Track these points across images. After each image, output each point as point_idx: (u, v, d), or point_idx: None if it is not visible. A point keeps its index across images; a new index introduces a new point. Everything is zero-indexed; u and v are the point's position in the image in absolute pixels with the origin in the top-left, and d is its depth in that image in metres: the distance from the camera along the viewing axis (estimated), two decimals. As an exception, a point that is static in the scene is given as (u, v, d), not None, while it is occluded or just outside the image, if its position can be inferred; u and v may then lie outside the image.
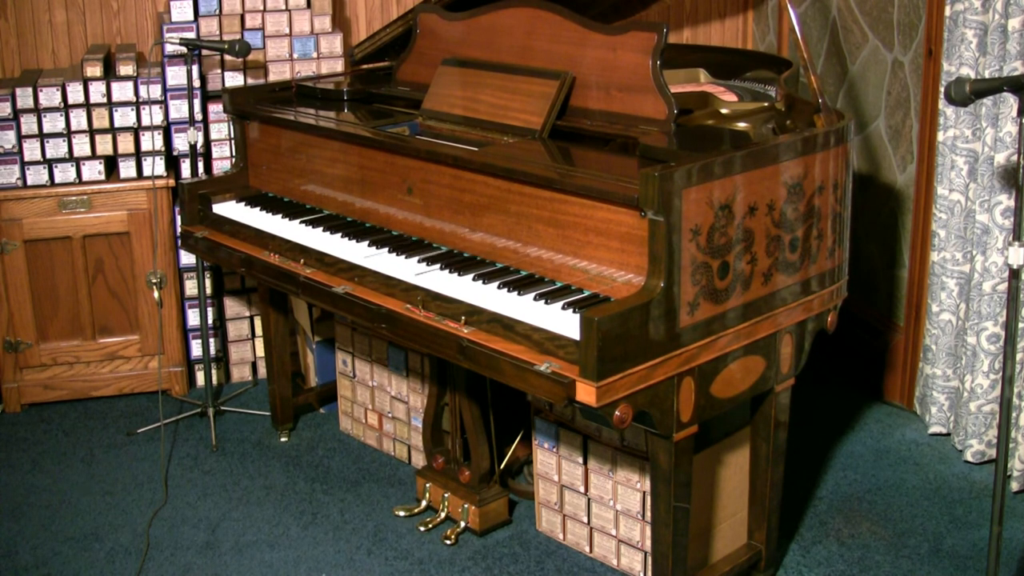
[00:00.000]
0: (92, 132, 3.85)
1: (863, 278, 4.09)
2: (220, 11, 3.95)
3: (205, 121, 3.99)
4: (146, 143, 3.88)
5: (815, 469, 3.49)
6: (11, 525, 3.28)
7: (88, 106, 3.83)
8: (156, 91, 3.88)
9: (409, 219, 2.94)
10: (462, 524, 3.15)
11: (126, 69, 3.86)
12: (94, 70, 3.83)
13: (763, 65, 3.39)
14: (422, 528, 3.18)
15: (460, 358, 2.50)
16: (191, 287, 4.03)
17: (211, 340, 4.03)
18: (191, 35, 3.87)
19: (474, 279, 2.62)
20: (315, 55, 4.06)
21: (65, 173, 3.85)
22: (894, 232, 3.92)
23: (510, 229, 2.67)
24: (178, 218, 3.73)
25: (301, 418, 3.91)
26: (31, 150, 3.81)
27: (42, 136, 3.81)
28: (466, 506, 3.15)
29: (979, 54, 3.32)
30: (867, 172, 4.06)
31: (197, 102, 3.84)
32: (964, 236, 3.49)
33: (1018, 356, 3.19)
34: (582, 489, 3.02)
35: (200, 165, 3.88)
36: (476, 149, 2.75)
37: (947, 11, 3.40)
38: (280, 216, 3.22)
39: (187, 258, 3.97)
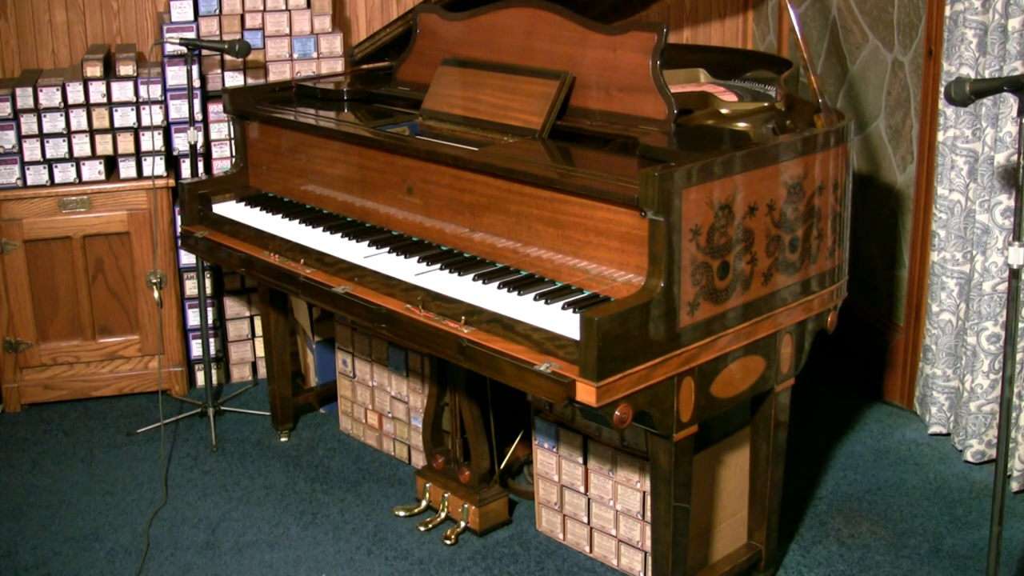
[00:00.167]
0: (92, 132, 3.85)
1: (863, 278, 4.09)
2: (220, 11, 3.95)
3: (205, 121, 3.99)
4: (146, 143, 3.88)
5: (815, 469, 3.49)
6: (11, 525, 3.28)
7: (88, 106, 3.83)
8: (156, 91, 3.88)
9: (409, 219, 2.94)
10: (462, 524, 3.15)
11: (126, 69, 3.86)
12: (94, 70, 3.83)
13: (763, 65, 3.39)
14: (422, 528, 3.18)
15: (460, 358, 2.50)
16: (191, 287, 4.03)
17: (211, 340, 4.03)
18: (191, 35, 3.87)
19: (474, 279, 2.62)
20: (315, 55, 4.06)
21: (65, 173, 3.85)
22: (894, 232, 3.92)
23: (510, 229, 2.67)
24: (178, 218, 3.73)
25: (301, 418, 3.91)
26: (31, 150, 3.81)
27: (42, 136, 3.81)
28: (466, 506, 3.15)
29: (979, 54, 3.32)
30: (867, 172, 4.06)
31: (197, 102, 3.84)
32: (964, 236, 3.49)
33: (1018, 356, 3.19)
34: (582, 489, 3.02)
35: (200, 165, 3.88)
36: (476, 149, 2.75)
37: (947, 11, 3.40)
38: (280, 216, 3.22)
39: (187, 258, 3.97)
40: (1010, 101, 3.20)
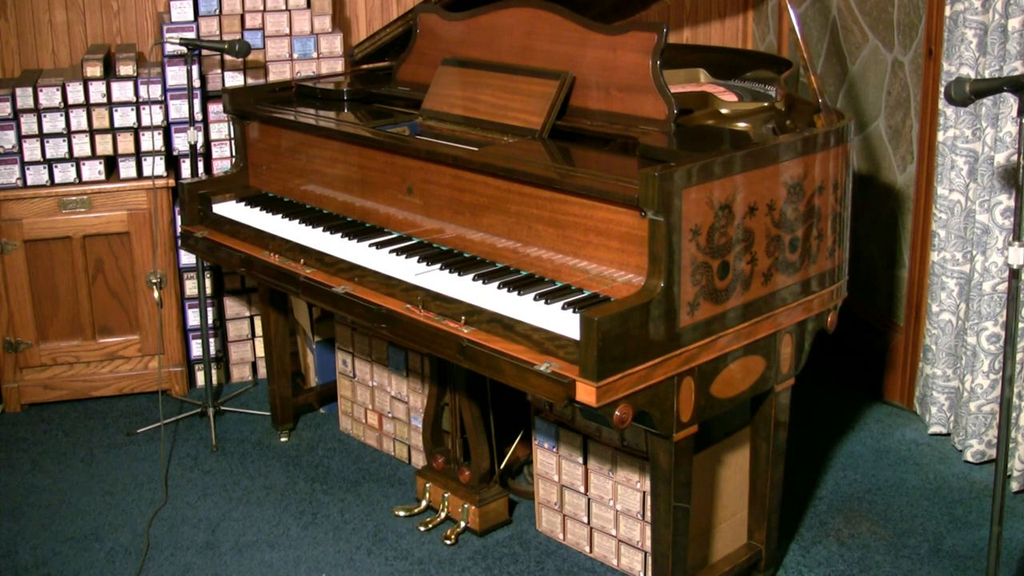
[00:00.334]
0: (92, 132, 3.85)
1: (863, 278, 4.09)
2: (220, 11, 3.95)
3: (205, 121, 3.99)
4: (146, 143, 3.88)
5: (815, 469, 3.49)
6: (11, 525, 3.28)
7: (88, 106, 3.83)
8: (156, 91, 3.88)
9: (409, 219, 2.94)
10: (462, 524, 3.15)
11: (126, 69, 3.86)
12: (94, 70, 3.83)
13: (763, 65, 3.39)
14: (422, 528, 3.18)
15: (460, 358, 2.50)
16: (191, 287, 4.03)
17: (211, 340, 4.03)
18: (191, 35, 3.87)
19: (474, 279, 2.62)
20: (315, 55, 4.06)
21: (65, 173, 3.85)
22: (894, 232, 3.92)
23: (510, 229, 2.67)
24: (178, 218, 3.73)
25: (301, 418, 3.91)
26: (31, 150, 3.81)
27: (42, 136, 3.81)
28: (466, 506, 3.15)
29: (979, 54, 3.32)
30: (867, 172, 4.06)
31: (197, 102, 3.84)
32: (964, 236, 3.49)
33: (1018, 356, 3.19)
34: (582, 489, 3.02)
35: (200, 165, 3.88)
36: (476, 149, 2.75)
37: (947, 11, 3.40)
38: (280, 216, 3.22)
39: (187, 258, 3.97)
40: (1010, 101, 3.20)
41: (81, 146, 3.85)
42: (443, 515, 3.20)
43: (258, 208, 3.32)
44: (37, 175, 3.84)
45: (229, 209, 3.37)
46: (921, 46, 3.67)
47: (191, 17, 3.90)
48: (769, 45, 4.66)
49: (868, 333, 4.04)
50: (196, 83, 3.83)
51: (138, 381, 4.05)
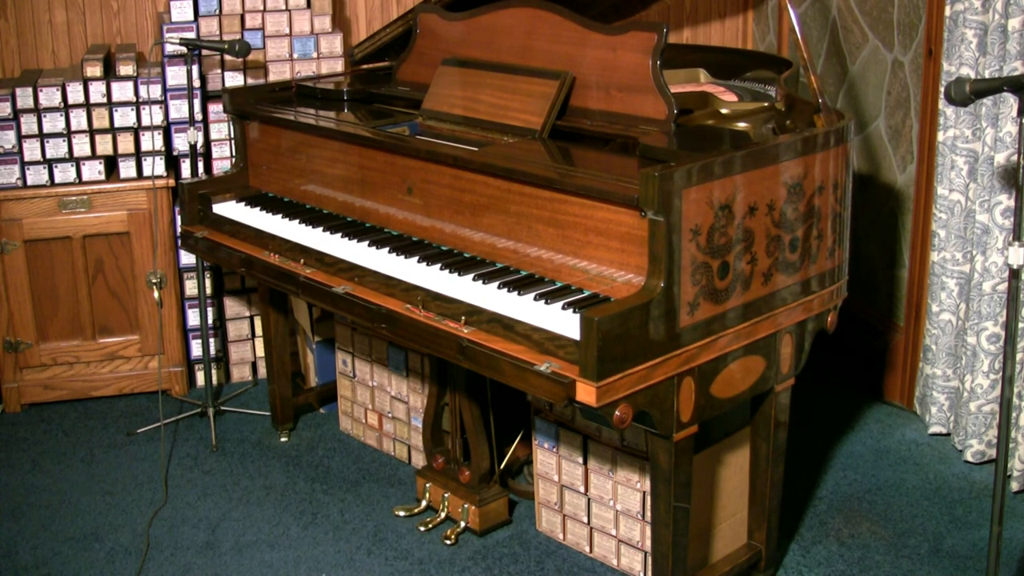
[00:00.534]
0: (92, 132, 3.85)
1: (863, 278, 4.09)
2: (220, 11, 3.95)
3: (205, 121, 3.99)
4: (146, 143, 3.88)
5: (815, 469, 3.49)
6: (11, 525, 3.28)
7: (88, 106, 3.83)
8: (156, 91, 3.88)
9: (409, 219, 2.94)
10: (462, 524, 3.15)
11: (126, 69, 3.86)
12: (94, 70, 3.83)
13: (763, 65, 3.39)
14: (422, 528, 3.18)
15: (460, 358, 2.50)
16: (191, 287, 4.03)
17: (211, 340, 4.03)
18: (191, 35, 3.87)
19: (474, 279, 2.62)
20: (315, 55, 4.06)
21: (65, 173, 3.85)
22: (894, 232, 3.92)
23: (510, 229, 2.67)
24: (178, 218, 3.73)
25: (301, 418, 3.91)
26: (31, 150, 3.81)
27: (42, 136, 3.81)
28: (466, 506, 3.15)
29: (979, 54, 3.32)
30: (867, 172, 4.06)
31: (197, 102, 3.84)
32: (964, 236, 3.49)
33: (1018, 356, 3.19)
34: (582, 489, 3.02)
35: (200, 165, 3.88)
36: (476, 149, 2.75)
37: (947, 11, 3.41)
38: (280, 216, 3.22)
39: (187, 258, 3.97)
40: (1010, 101, 3.20)
41: (81, 146, 3.85)
42: (443, 515, 3.20)
43: (258, 208, 3.32)
44: (37, 175, 3.84)
45: (229, 209, 3.37)
46: (921, 46, 3.67)
47: (191, 17, 3.90)
48: (769, 45, 4.66)
49: (868, 333, 4.04)
50: (196, 83, 3.83)
51: (138, 381, 4.05)
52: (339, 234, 3.01)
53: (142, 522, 3.28)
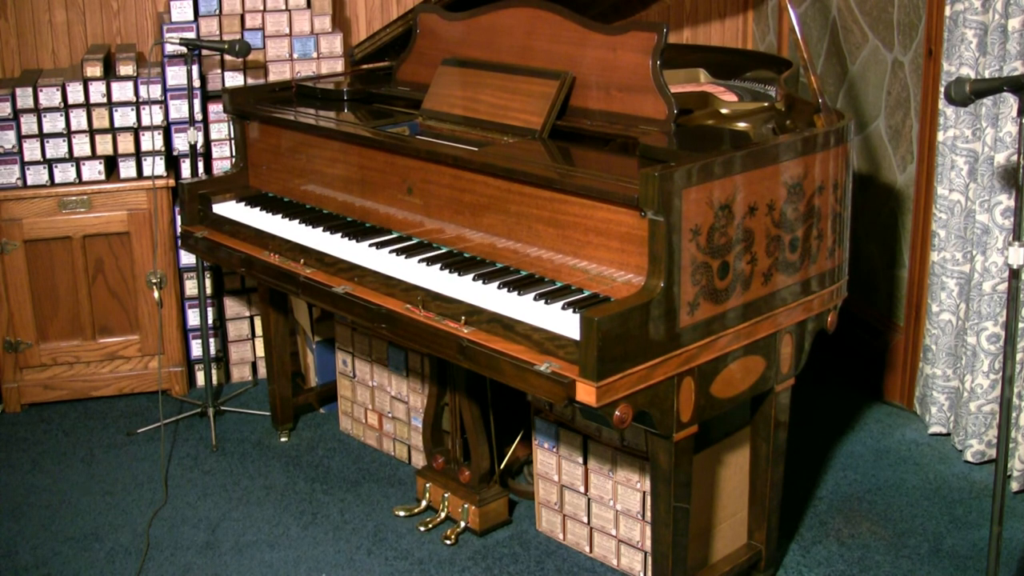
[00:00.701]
0: (92, 132, 3.85)
1: (863, 278, 4.09)
2: (220, 11, 3.95)
3: (205, 121, 3.99)
4: (146, 143, 3.88)
5: (815, 469, 3.49)
6: (11, 525, 3.28)
7: (88, 106, 3.83)
8: (156, 91, 3.88)
9: (409, 219, 2.94)
10: (462, 524, 3.15)
11: (126, 69, 3.86)
12: (94, 70, 3.83)
13: (763, 65, 3.39)
14: (422, 528, 3.18)
15: (460, 358, 2.50)
16: (191, 287, 4.03)
17: (211, 340, 4.03)
18: (191, 35, 3.87)
19: (474, 279, 2.62)
20: (315, 55, 4.06)
21: (65, 173, 3.85)
22: (894, 232, 3.92)
23: (510, 229, 2.67)
24: (178, 218, 3.73)
25: (301, 418, 3.91)
26: (31, 150, 3.81)
27: (42, 136, 3.81)
28: (466, 506, 3.15)
29: (979, 54, 3.32)
30: (867, 172, 4.06)
31: (197, 102, 3.84)
32: (964, 236, 3.49)
33: (1018, 356, 3.19)
34: (582, 489, 3.02)
35: (200, 165, 3.88)
36: (476, 149, 2.75)
37: (947, 11, 3.41)
38: (280, 216, 3.22)
39: (187, 258, 3.97)
40: (1010, 101, 3.20)
41: (81, 146, 3.85)
42: (443, 515, 3.20)
43: (258, 208, 3.32)
44: (37, 175, 3.84)
45: (229, 209, 3.37)
46: (921, 46, 3.67)
47: (191, 17, 3.90)
48: (769, 45, 4.66)
49: (868, 333, 4.04)
50: (196, 83, 3.83)
51: (138, 381, 4.05)
52: (339, 234, 3.01)
53: (142, 522, 3.28)
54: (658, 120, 2.72)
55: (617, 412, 2.29)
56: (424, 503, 3.26)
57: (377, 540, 3.16)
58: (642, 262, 2.37)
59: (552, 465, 3.08)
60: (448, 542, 3.11)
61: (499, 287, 2.56)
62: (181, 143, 3.95)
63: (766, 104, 2.92)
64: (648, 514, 2.86)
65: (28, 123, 3.80)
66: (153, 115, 3.87)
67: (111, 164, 3.94)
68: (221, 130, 4.01)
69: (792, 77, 3.07)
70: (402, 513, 3.27)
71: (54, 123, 3.81)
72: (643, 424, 2.40)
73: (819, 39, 4.33)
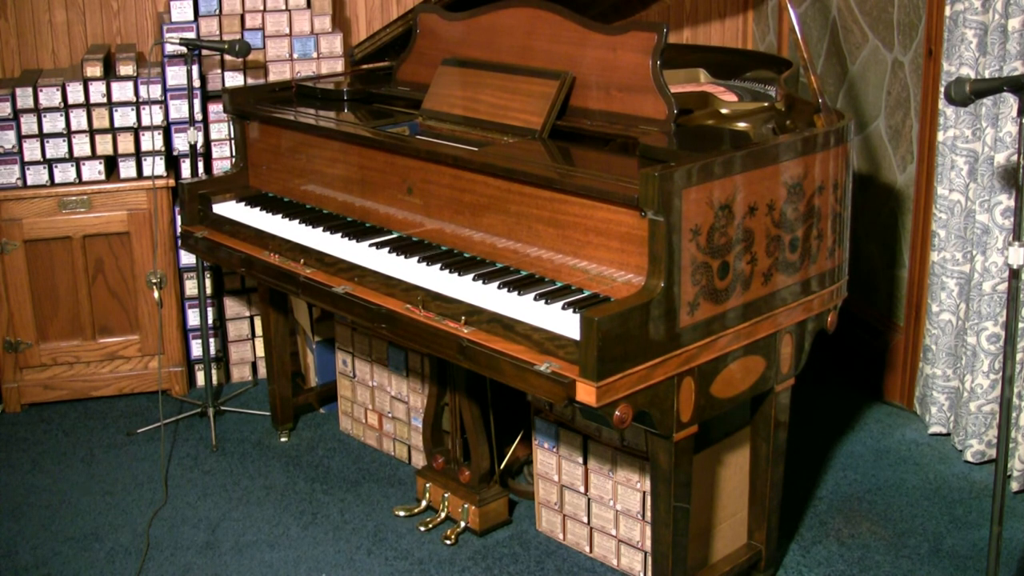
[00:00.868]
0: (92, 132, 3.85)
1: (863, 278, 4.09)
2: (220, 11, 3.95)
3: (205, 121, 3.99)
4: (146, 143, 3.88)
5: (815, 469, 3.49)
6: (11, 525, 3.28)
7: (88, 106, 3.83)
8: (156, 91, 3.88)
9: (409, 219, 2.94)
10: (462, 524, 3.15)
11: (126, 69, 3.86)
12: (94, 70, 3.83)
13: (763, 65, 3.39)
14: (422, 528, 3.18)
15: (460, 358, 2.50)
16: (191, 287, 4.03)
17: (211, 340, 4.03)
18: (191, 35, 3.87)
19: (474, 279, 2.62)
20: (315, 55, 4.06)
21: (65, 173, 3.85)
22: (894, 232, 3.92)
23: (510, 229, 2.67)
24: (178, 218, 3.73)
25: (301, 418, 3.91)
26: (31, 150, 3.81)
27: (42, 136, 3.81)
28: (466, 506, 3.15)
29: (979, 54, 3.32)
30: (867, 172, 4.06)
31: (197, 102, 3.84)
32: (964, 236, 3.49)
33: (1018, 356, 3.19)
34: (582, 489, 3.02)
35: (200, 165, 3.88)
36: (476, 149, 2.75)
37: (947, 11, 3.41)
38: (280, 216, 3.22)
39: (187, 258, 3.97)
40: (1010, 101, 3.20)
41: (81, 146, 3.85)
42: (443, 515, 3.20)
43: (258, 208, 3.32)
44: (37, 175, 3.84)
45: (229, 209, 3.37)
46: (921, 46, 3.67)
47: (191, 17, 3.90)
48: (769, 45, 4.66)
49: (868, 333, 4.04)
50: (196, 83, 3.83)
51: (138, 381, 4.05)
52: (339, 234, 3.01)
53: (142, 522, 3.28)
54: (658, 120, 2.72)
55: (617, 412, 2.29)
56: (424, 503, 3.26)
57: (377, 540, 3.16)
58: (642, 262, 2.38)
59: (552, 465, 3.08)
60: (448, 542, 3.11)
61: (499, 287, 2.56)
62: (181, 143, 3.95)
63: (766, 104, 2.92)
64: (648, 514, 2.86)
65: (28, 123, 3.80)
66: (153, 115, 3.87)
67: (111, 164, 3.94)
68: (221, 130, 4.01)
69: (792, 77, 3.07)
70: (402, 513, 3.27)
71: (54, 123, 3.81)
72: (643, 424, 2.40)
73: (819, 39, 4.33)
